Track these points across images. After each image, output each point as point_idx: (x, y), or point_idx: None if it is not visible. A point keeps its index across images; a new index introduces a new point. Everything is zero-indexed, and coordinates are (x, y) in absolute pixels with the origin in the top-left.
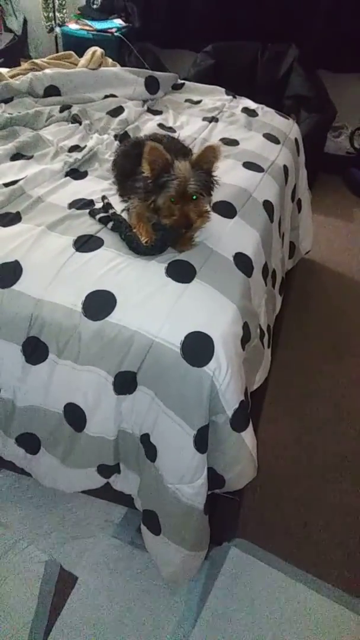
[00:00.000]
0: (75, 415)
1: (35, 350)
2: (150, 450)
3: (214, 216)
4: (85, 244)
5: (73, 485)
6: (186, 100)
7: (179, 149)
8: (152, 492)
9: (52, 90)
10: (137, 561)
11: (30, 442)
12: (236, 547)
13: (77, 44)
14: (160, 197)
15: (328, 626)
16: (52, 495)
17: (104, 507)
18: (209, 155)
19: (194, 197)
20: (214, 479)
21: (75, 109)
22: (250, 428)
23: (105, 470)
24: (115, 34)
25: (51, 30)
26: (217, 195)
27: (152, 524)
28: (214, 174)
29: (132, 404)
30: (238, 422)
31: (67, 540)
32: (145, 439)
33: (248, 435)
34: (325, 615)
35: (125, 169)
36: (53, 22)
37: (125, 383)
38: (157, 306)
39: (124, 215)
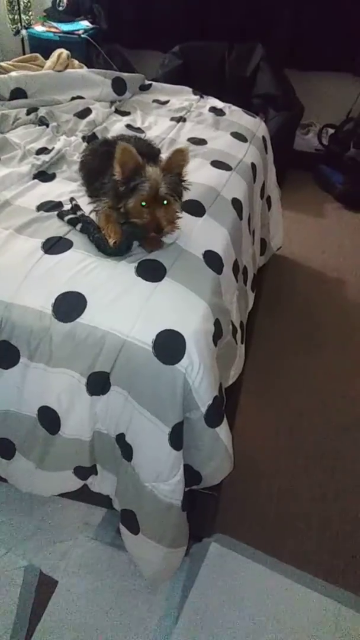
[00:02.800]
0: (49, 418)
1: (6, 355)
2: (126, 450)
3: (184, 215)
4: (54, 246)
5: (50, 488)
6: (154, 101)
7: (147, 150)
8: (129, 491)
9: (18, 93)
10: (117, 562)
11: (4, 448)
12: (216, 542)
13: (44, 47)
14: (131, 200)
15: (310, 615)
16: (30, 500)
17: (82, 509)
18: (179, 159)
19: (165, 202)
20: (191, 475)
21: (42, 112)
22: (225, 423)
23: (82, 472)
24: (83, 35)
25: (17, 33)
26: (186, 194)
27: (130, 524)
28: (184, 178)
29: (106, 405)
30: (212, 418)
31: (46, 544)
32: (120, 438)
33: (223, 431)
34: (306, 605)
35: (93, 169)
36: (19, 24)
37: (98, 384)
38: (127, 306)
39: (93, 216)
